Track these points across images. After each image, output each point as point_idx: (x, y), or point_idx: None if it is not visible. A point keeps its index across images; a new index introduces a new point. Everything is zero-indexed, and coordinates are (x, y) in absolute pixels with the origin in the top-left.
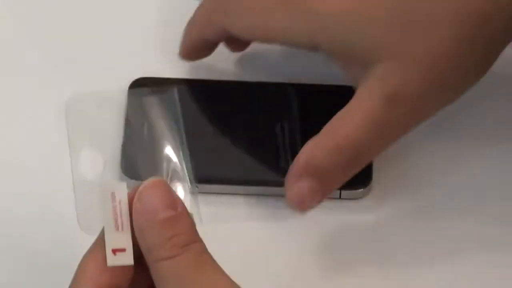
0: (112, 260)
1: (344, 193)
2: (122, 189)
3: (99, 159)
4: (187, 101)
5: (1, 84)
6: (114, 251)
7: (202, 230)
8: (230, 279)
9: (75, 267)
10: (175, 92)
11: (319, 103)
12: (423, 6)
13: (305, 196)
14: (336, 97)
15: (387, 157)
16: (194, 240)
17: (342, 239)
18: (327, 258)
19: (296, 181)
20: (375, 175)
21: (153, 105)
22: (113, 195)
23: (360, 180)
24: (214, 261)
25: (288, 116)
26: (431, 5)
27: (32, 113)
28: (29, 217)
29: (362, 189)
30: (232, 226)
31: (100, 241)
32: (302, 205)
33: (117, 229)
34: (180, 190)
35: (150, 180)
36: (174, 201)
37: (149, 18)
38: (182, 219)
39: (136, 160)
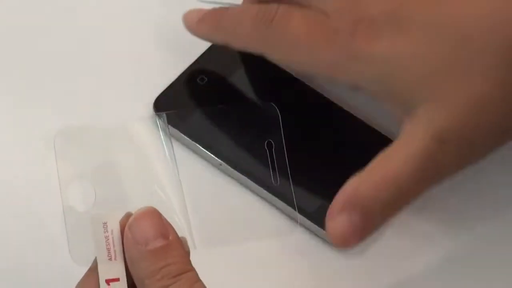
0: None
1: None
2: (114, 218)
3: (90, 190)
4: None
5: None
6: (108, 282)
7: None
8: None
9: None
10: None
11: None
12: (468, 47)
13: (346, 231)
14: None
15: None
16: (186, 269)
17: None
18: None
19: (338, 215)
20: None
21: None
22: (105, 225)
23: None
24: None
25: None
26: (476, 47)
27: (21, 143)
28: (21, 247)
29: None
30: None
31: (92, 272)
32: (343, 241)
33: (110, 259)
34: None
35: (141, 209)
36: (165, 230)
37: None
38: (174, 248)
39: None
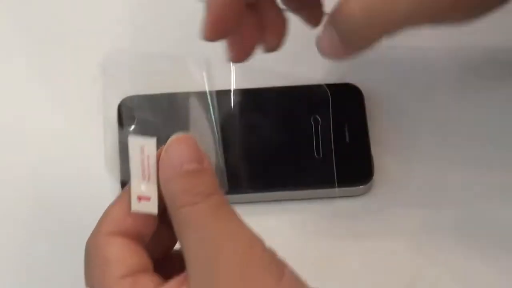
0: (136, 206)
1: (345, 190)
2: (151, 145)
3: (131, 113)
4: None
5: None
6: (139, 198)
7: None
8: (251, 230)
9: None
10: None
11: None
12: None
13: (327, 44)
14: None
15: (387, 153)
16: (216, 192)
17: (344, 235)
18: (328, 255)
19: (324, 28)
20: (376, 172)
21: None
22: (142, 149)
23: (361, 176)
24: (235, 213)
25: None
26: None
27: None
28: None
29: (363, 186)
30: None
31: (127, 191)
32: (323, 52)
33: (144, 178)
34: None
35: (178, 135)
36: (200, 157)
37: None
38: (207, 174)
39: None
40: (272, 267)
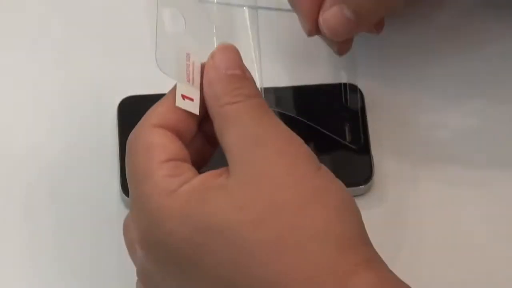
0: (180, 103)
1: None
2: (196, 53)
3: (181, 19)
4: None
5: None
6: (183, 97)
7: None
8: (289, 129)
9: None
10: None
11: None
12: None
13: (338, 21)
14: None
15: (387, 153)
16: (257, 95)
17: None
18: None
19: (331, 6)
20: (376, 171)
21: None
22: (188, 55)
23: (361, 177)
24: (275, 115)
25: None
26: None
27: None
28: None
29: (363, 186)
30: None
31: (172, 92)
32: (333, 30)
33: (188, 81)
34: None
35: (225, 44)
36: (243, 66)
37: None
38: (248, 80)
39: None
40: (310, 158)
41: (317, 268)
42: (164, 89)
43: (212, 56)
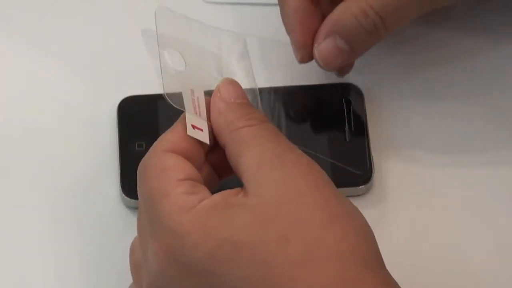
0: (191, 132)
1: (346, 190)
2: (199, 89)
3: (181, 59)
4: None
5: None
6: (193, 127)
7: None
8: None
9: None
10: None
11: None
12: None
13: (332, 52)
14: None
15: (387, 153)
16: (269, 121)
17: None
18: None
19: (325, 38)
20: (375, 171)
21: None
22: (192, 91)
23: (361, 177)
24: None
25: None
26: None
27: None
28: None
29: (363, 186)
30: None
31: (179, 123)
32: (327, 61)
33: (196, 113)
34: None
35: (227, 78)
36: (247, 97)
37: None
38: (256, 108)
39: (135, 179)
40: (330, 183)
41: (342, 284)
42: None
43: (218, 89)
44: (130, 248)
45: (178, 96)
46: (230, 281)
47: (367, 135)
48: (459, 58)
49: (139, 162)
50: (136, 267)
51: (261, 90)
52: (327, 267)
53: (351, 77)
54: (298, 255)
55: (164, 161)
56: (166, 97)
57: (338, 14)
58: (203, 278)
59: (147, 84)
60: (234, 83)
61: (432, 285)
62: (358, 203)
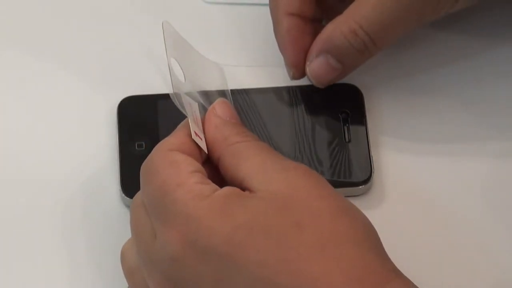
0: (194, 138)
1: (345, 190)
2: (195, 105)
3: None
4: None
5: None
6: (196, 133)
7: None
8: None
9: None
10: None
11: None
12: None
13: (323, 70)
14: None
15: (387, 153)
16: (262, 140)
17: None
18: None
19: (317, 56)
20: (375, 171)
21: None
22: (190, 105)
23: (361, 177)
24: None
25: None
26: None
27: None
28: None
29: (363, 186)
30: None
31: (181, 129)
32: (320, 78)
33: (196, 123)
34: None
35: (222, 99)
36: (239, 120)
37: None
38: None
39: (135, 179)
40: (330, 185)
41: (358, 270)
42: (164, 90)
43: (213, 107)
44: (120, 256)
45: (182, 100)
46: (247, 265)
47: (367, 135)
48: (459, 58)
49: (139, 162)
50: (130, 271)
51: (261, 90)
52: (341, 252)
53: (351, 77)
54: (313, 240)
55: (172, 157)
56: (173, 97)
57: (328, 32)
58: (219, 264)
59: (147, 84)
60: (228, 104)
61: (432, 285)
62: (358, 203)
